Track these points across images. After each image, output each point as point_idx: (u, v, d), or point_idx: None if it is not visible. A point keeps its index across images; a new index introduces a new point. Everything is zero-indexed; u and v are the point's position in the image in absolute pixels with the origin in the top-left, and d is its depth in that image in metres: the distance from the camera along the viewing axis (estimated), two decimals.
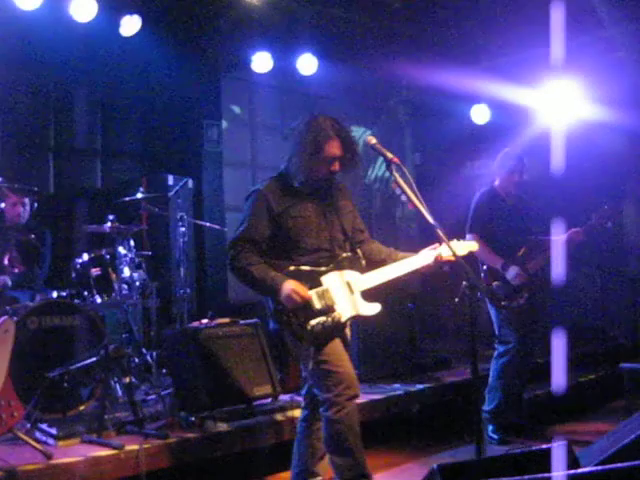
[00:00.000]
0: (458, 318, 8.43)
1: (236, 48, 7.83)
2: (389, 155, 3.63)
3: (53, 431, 4.32)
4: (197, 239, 7.74)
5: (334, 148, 3.71)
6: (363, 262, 3.84)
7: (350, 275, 3.76)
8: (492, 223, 5.34)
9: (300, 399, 5.07)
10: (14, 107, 7.06)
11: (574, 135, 6.91)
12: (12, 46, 6.58)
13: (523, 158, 5.50)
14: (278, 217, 3.72)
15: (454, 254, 3.51)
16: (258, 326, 5.29)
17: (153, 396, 5.20)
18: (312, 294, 3.65)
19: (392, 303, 6.03)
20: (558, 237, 5.33)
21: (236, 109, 8.76)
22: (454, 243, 3.87)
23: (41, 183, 6.95)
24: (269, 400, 5.13)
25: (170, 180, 7.31)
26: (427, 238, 3.84)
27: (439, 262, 3.77)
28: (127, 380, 4.64)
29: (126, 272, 5.82)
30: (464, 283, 3.27)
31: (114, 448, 4.11)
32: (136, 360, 5.72)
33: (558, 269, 5.07)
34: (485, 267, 5.34)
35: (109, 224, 5.80)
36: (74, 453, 4.06)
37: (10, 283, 5.27)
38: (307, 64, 8.02)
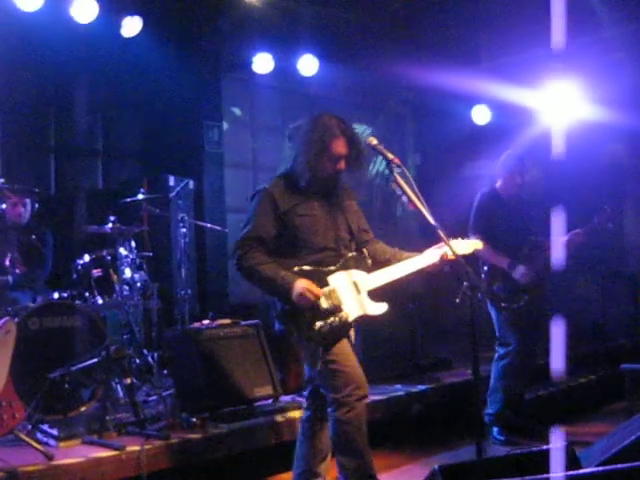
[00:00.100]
0: (459, 319, 8.42)
1: (237, 49, 7.85)
2: (390, 156, 3.63)
3: (54, 432, 4.32)
4: (198, 240, 7.75)
5: (340, 147, 3.70)
6: (369, 261, 3.83)
7: (357, 275, 3.74)
8: (493, 224, 5.35)
9: (301, 400, 5.08)
10: (15, 108, 7.06)
11: (574, 136, 6.91)
12: (13, 47, 6.59)
13: (525, 160, 5.50)
14: (284, 216, 3.70)
15: (454, 254, 3.52)
16: (259, 327, 5.30)
17: (154, 397, 5.20)
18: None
19: (393, 304, 6.02)
20: (559, 238, 5.33)
21: (237, 110, 8.76)
22: (459, 242, 3.88)
23: (42, 184, 6.96)
24: (270, 401, 5.13)
25: (171, 181, 7.31)
26: (428, 237, 3.84)
27: (445, 261, 3.76)
28: (128, 381, 4.65)
29: (127, 273, 5.82)
30: (465, 284, 3.27)
31: (115, 449, 4.11)
32: (137, 361, 5.72)
33: (558, 270, 5.08)
34: (486, 268, 5.34)
35: (110, 225, 5.80)
36: (75, 454, 4.06)
37: (11, 283, 5.27)
38: (308, 65, 8.03)
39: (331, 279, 3.68)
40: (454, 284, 3.43)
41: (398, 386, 5.84)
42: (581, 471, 3.04)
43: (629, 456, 3.25)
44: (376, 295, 3.78)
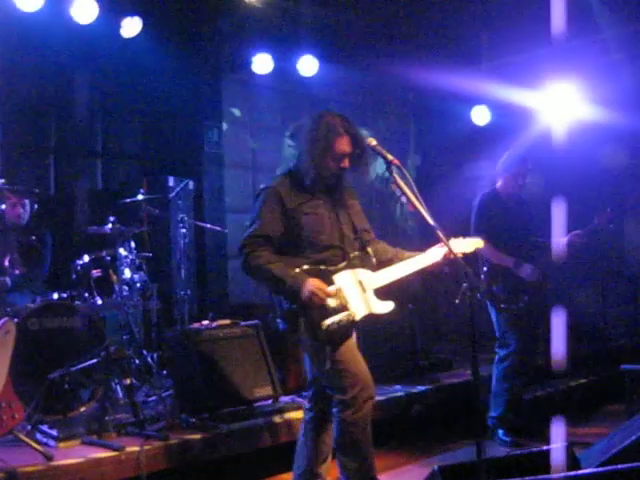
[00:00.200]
0: (458, 319, 8.42)
1: (236, 49, 7.84)
2: (389, 157, 3.63)
3: (54, 432, 4.32)
4: (198, 240, 7.74)
5: (344, 145, 3.71)
6: (374, 260, 3.83)
7: (362, 273, 3.74)
8: (495, 224, 5.34)
9: (301, 400, 5.09)
10: (15, 108, 7.06)
11: (574, 136, 6.92)
12: (13, 47, 6.58)
13: (527, 160, 5.49)
14: (291, 214, 3.69)
15: (452, 252, 3.51)
16: (259, 327, 5.30)
17: (154, 397, 5.20)
18: None
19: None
20: (559, 239, 5.33)
21: (236, 110, 8.75)
22: (460, 240, 3.89)
23: (42, 184, 6.95)
24: (269, 401, 5.13)
25: (171, 182, 7.30)
26: (427, 238, 3.84)
27: (447, 260, 3.75)
28: (128, 381, 4.64)
29: (127, 273, 5.83)
30: (464, 285, 3.27)
31: (115, 449, 4.11)
32: (137, 361, 5.72)
33: (559, 271, 5.07)
34: (485, 268, 5.34)
35: (110, 225, 5.81)
36: (75, 454, 4.06)
37: (10, 284, 5.27)
38: (307, 65, 8.02)
39: (337, 278, 3.66)
40: (454, 285, 3.44)
41: (398, 387, 5.84)
42: (581, 472, 3.04)
43: (629, 457, 3.25)
44: (381, 294, 3.77)
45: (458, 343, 7.97)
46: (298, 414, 4.79)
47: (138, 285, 5.92)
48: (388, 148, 3.70)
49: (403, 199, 3.61)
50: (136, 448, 4.13)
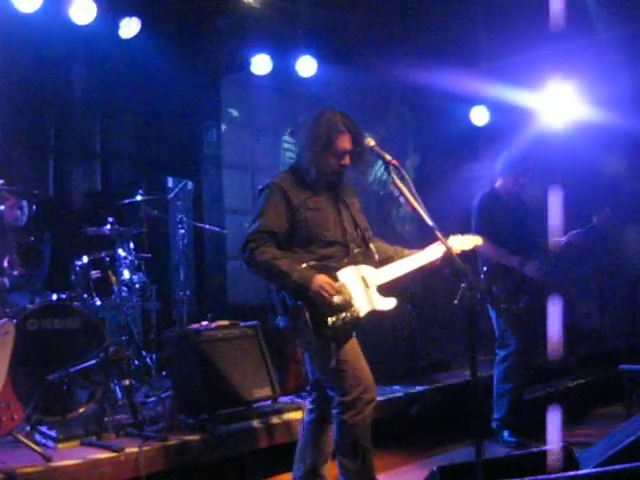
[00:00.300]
0: (457, 320, 8.42)
1: (235, 50, 7.84)
2: (387, 157, 3.64)
3: (53, 433, 4.32)
4: (197, 241, 7.74)
5: (345, 142, 3.71)
6: (376, 257, 3.83)
7: (365, 270, 3.74)
8: (496, 224, 5.34)
9: (300, 401, 5.09)
10: (13, 109, 7.05)
11: (572, 136, 6.93)
12: (12, 48, 6.58)
13: (528, 159, 5.49)
14: (296, 209, 3.68)
15: (454, 252, 3.52)
16: (258, 328, 5.29)
17: (153, 398, 5.20)
18: None
19: None
20: (557, 239, 5.34)
21: (235, 111, 8.76)
22: (458, 238, 3.91)
23: (41, 185, 6.94)
24: (268, 402, 5.13)
25: (169, 182, 7.30)
26: (425, 240, 3.85)
27: (446, 257, 3.75)
28: (127, 382, 4.64)
29: (126, 274, 5.82)
30: (463, 285, 3.27)
31: (114, 450, 4.11)
32: (136, 362, 5.72)
33: (557, 271, 5.08)
34: (485, 268, 5.33)
35: (109, 226, 5.81)
36: (74, 455, 4.06)
37: (8, 285, 5.27)
38: (306, 66, 8.03)
39: (340, 274, 3.65)
40: (453, 285, 3.44)
41: (397, 387, 5.84)
42: (579, 472, 3.05)
43: (628, 457, 3.25)
44: (383, 292, 3.77)
45: (457, 343, 7.97)
46: (297, 415, 4.80)
47: (137, 286, 5.92)
48: (387, 148, 3.71)
49: (401, 199, 3.61)
50: (135, 449, 4.13)
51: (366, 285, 3.71)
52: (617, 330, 8.61)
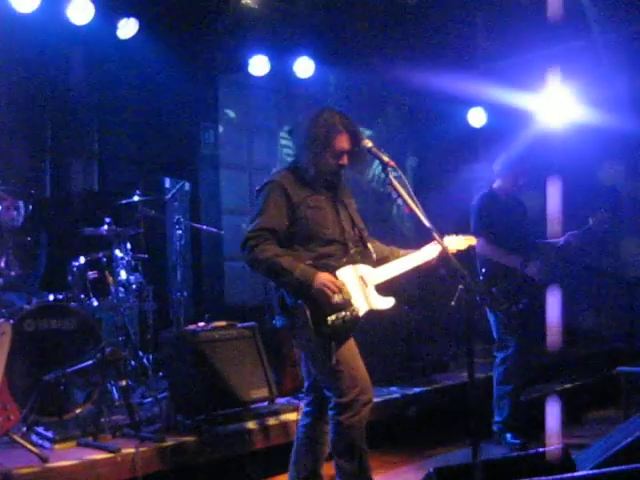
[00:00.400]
0: (455, 321, 8.43)
1: (233, 51, 7.83)
2: (385, 158, 3.64)
3: (49, 434, 4.32)
4: (194, 242, 7.74)
5: (343, 142, 3.71)
6: (374, 256, 3.83)
7: (363, 269, 3.74)
8: (495, 225, 5.34)
9: (297, 402, 5.08)
10: (10, 109, 7.04)
11: (569, 138, 6.94)
12: (9, 48, 6.57)
13: (527, 160, 5.49)
14: (296, 206, 3.68)
15: (451, 251, 3.53)
16: (255, 329, 5.29)
17: (149, 399, 5.20)
18: None
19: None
20: (555, 240, 5.34)
21: (233, 112, 8.75)
22: (453, 238, 3.93)
23: (38, 185, 6.93)
24: (265, 403, 5.13)
25: (167, 183, 7.31)
26: (424, 239, 3.85)
27: (442, 257, 3.76)
28: (123, 383, 4.64)
29: (123, 275, 5.82)
30: (460, 286, 3.27)
31: (110, 451, 4.10)
32: (132, 363, 5.72)
33: (555, 272, 5.08)
34: (485, 270, 5.33)
35: (106, 227, 5.80)
36: (70, 456, 4.06)
37: (2, 285, 5.25)
38: (304, 67, 8.02)
39: (339, 273, 3.65)
40: (450, 286, 3.44)
41: (394, 388, 5.84)
42: (576, 474, 3.04)
43: (624, 459, 3.25)
44: (381, 292, 3.77)
45: (455, 345, 7.98)
46: (294, 416, 4.79)
47: (134, 286, 5.91)
48: (384, 150, 3.71)
49: (399, 201, 3.60)
50: (132, 450, 4.13)
51: (364, 284, 3.71)
52: (615, 332, 8.62)
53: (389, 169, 3.62)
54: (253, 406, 5.02)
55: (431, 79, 7.58)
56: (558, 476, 2.90)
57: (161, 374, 5.79)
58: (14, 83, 6.93)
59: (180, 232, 6.30)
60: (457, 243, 3.94)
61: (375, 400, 5.36)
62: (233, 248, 7.44)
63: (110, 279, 5.70)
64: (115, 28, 6.68)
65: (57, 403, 4.70)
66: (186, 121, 8.08)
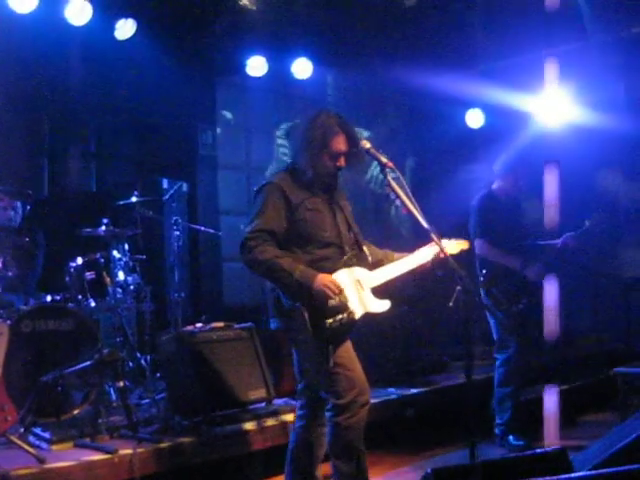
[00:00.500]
0: (453, 322, 8.43)
1: (231, 52, 7.83)
2: (383, 159, 3.64)
3: (47, 435, 4.31)
4: (191, 243, 7.73)
5: (340, 144, 3.72)
6: (370, 259, 3.83)
7: (360, 272, 3.74)
8: (495, 226, 5.34)
9: (294, 403, 5.07)
10: (8, 109, 7.04)
11: (567, 139, 6.92)
12: (7, 48, 6.56)
13: (527, 161, 5.49)
14: (295, 208, 3.68)
15: (446, 254, 3.53)
16: (253, 330, 5.29)
17: (147, 400, 5.19)
18: None
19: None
20: (553, 241, 5.34)
21: (230, 113, 8.75)
22: (445, 242, 3.92)
23: (35, 186, 6.93)
24: (263, 404, 5.12)
25: (165, 184, 7.30)
26: (422, 240, 3.85)
27: (437, 260, 3.76)
28: (121, 384, 4.63)
29: (120, 276, 5.81)
30: (458, 287, 3.28)
31: (108, 452, 4.10)
32: (130, 364, 5.71)
33: (553, 273, 5.08)
34: (484, 271, 5.33)
35: (103, 227, 5.79)
36: (68, 457, 4.05)
37: (1, 286, 5.24)
38: (302, 68, 8.03)
39: (335, 276, 3.65)
40: (448, 287, 3.44)
41: (392, 389, 5.84)
42: (573, 475, 3.05)
43: (622, 460, 3.25)
44: (377, 295, 3.77)
45: (453, 346, 7.98)
46: (292, 416, 4.77)
47: (132, 287, 5.91)
48: (383, 151, 3.71)
49: (397, 202, 3.61)
50: (129, 451, 4.12)
51: (361, 287, 3.71)
52: (611, 333, 8.62)
53: (387, 170, 3.62)
54: (251, 407, 5.02)
55: (429, 80, 7.58)
56: (555, 477, 2.90)
57: (159, 375, 5.78)
58: (12, 83, 6.92)
59: (178, 233, 6.29)
60: (449, 247, 3.93)
61: (373, 401, 5.37)
62: (231, 249, 7.44)
63: (108, 280, 5.70)
64: (113, 29, 6.68)
65: (55, 404, 4.70)
66: (184, 122, 8.07)
